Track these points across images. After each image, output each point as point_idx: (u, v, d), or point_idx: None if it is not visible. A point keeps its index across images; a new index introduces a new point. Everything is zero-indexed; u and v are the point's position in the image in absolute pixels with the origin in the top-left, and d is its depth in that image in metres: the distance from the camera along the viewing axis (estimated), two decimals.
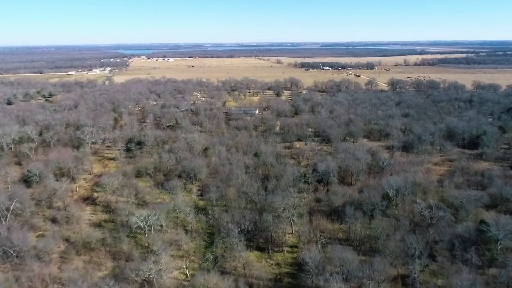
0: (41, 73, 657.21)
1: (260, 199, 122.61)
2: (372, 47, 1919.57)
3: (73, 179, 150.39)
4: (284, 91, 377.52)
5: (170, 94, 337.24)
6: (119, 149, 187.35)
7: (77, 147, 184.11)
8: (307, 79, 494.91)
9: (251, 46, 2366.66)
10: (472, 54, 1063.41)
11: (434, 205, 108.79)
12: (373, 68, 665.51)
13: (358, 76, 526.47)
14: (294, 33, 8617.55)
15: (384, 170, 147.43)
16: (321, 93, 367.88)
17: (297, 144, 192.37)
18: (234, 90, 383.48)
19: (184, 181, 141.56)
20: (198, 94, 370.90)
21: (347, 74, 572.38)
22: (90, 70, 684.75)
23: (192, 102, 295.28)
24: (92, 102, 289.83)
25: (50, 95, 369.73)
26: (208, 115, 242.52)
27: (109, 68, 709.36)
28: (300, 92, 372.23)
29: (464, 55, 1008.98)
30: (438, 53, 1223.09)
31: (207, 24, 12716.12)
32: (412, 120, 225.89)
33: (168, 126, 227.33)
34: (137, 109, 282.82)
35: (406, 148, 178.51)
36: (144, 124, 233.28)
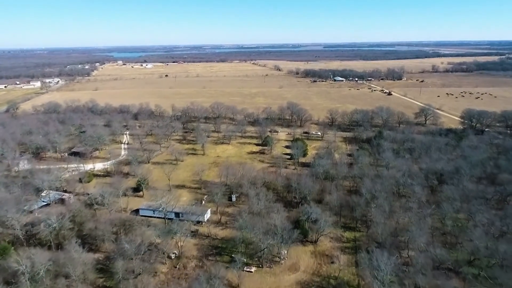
0: None
1: None
2: (378, 48, 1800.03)
3: None
4: (279, 130, 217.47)
5: (54, 150, 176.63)
6: None
7: None
8: (316, 99, 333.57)
9: (251, 47, 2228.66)
10: (503, 56, 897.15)
11: None
12: (401, 79, 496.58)
13: (389, 94, 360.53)
14: (295, 34, 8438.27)
15: None
16: (345, 134, 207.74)
17: None
18: (191, 130, 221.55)
19: None
20: (127, 137, 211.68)
21: (370, 90, 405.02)
22: (28, 82, 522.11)
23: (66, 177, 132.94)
24: None
25: None
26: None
27: (56, 79, 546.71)
28: (306, 133, 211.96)
29: (496, 58, 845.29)
30: (457, 55, 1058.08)
31: (208, 25, 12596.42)
32: None
33: None
34: None
35: None
36: None
